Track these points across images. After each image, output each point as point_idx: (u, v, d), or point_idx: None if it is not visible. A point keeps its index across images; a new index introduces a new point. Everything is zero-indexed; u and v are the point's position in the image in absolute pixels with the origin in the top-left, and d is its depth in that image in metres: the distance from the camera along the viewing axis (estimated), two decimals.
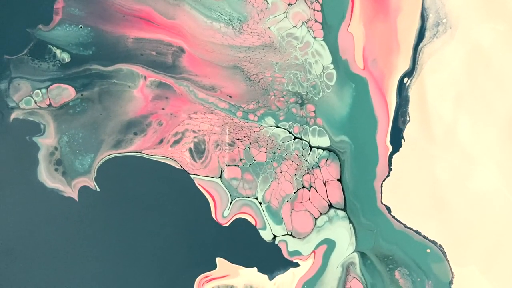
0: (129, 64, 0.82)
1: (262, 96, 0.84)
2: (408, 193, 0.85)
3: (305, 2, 0.82)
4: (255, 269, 0.85)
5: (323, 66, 0.83)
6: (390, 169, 0.84)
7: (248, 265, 0.85)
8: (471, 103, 0.84)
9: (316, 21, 0.82)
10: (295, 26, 0.82)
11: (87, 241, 0.83)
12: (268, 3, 0.82)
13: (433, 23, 0.83)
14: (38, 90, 0.81)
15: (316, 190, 0.84)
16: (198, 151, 0.84)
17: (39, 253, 0.82)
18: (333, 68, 0.83)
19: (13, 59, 0.80)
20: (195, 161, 0.84)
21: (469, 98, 0.84)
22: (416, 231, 0.85)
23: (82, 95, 0.82)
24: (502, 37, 0.83)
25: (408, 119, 0.84)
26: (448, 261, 0.85)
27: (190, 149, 0.83)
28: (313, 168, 0.84)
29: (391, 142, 0.84)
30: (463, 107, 0.84)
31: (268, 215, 0.85)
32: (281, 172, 0.84)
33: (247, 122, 0.84)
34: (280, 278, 0.85)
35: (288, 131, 0.84)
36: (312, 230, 0.85)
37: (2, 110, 0.81)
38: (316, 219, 0.85)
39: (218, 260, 0.84)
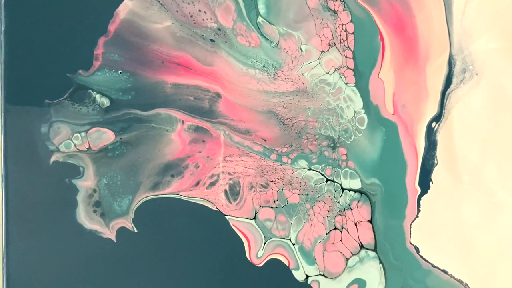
0: (167, 109, 0.84)
1: (296, 140, 0.86)
2: (435, 233, 0.87)
3: (338, 49, 0.85)
4: None
5: (354, 111, 0.86)
6: (418, 211, 0.87)
7: None
8: (497, 146, 0.87)
9: (348, 67, 0.85)
10: (328, 73, 0.85)
11: (125, 281, 0.85)
12: (302, 50, 0.84)
13: (460, 70, 0.86)
14: (78, 134, 0.83)
15: (348, 231, 0.87)
16: (233, 193, 0.86)
17: None
18: (364, 113, 0.86)
19: (54, 103, 0.82)
20: (230, 202, 0.86)
21: (495, 141, 0.87)
22: (443, 270, 0.88)
23: (121, 138, 0.84)
24: None
25: (436, 162, 0.87)
26: None
27: (225, 191, 0.86)
28: (344, 209, 0.87)
29: (419, 184, 0.87)
30: (489, 150, 0.87)
31: (301, 255, 0.87)
32: (313, 214, 0.87)
33: (281, 165, 0.86)
34: None
35: (321, 174, 0.87)
36: (344, 270, 0.87)
37: (42, 153, 0.83)
38: (347, 259, 0.87)
39: None
